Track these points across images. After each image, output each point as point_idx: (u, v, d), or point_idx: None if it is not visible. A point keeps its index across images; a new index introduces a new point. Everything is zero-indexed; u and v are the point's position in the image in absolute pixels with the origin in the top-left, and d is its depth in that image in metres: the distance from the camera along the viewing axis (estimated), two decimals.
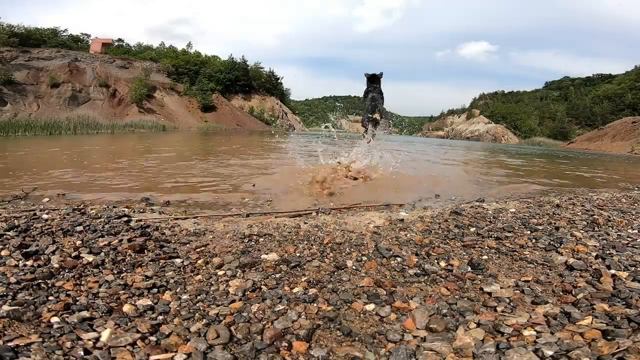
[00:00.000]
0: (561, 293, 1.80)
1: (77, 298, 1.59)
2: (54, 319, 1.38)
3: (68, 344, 1.24)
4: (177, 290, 1.74)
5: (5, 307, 1.41)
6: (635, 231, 3.03)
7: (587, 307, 1.61)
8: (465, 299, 1.73)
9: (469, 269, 2.10)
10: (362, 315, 1.58)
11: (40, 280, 1.70)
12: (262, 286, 1.81)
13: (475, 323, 1.48)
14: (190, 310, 1.55)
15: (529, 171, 11.06)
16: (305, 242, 2.52)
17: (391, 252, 2.31)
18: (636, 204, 4.62)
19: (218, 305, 1.60)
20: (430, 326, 1.46)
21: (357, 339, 1.40)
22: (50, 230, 2.45)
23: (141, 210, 3.41)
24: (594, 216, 3.53)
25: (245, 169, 7.16)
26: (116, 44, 56.95)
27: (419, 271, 2.06)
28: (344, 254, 2.32)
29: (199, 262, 2.10)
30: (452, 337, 1.38)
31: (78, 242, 2.24)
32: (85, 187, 4.62)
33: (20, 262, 1.88)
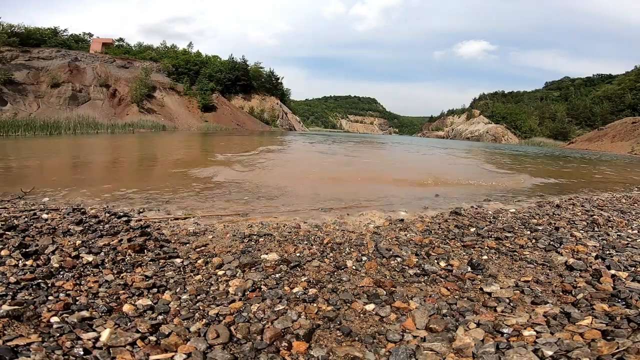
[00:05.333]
0: (561, 293, 1.80)
1: (77, 298, 1.59)
2: (54, 319, 1.38)
3: (68, 344, 1.24)
4: (177, 290, 1.74)
5: (5, 307, 1.40)
6: (635, 231, 3.03)
7: (587, 307, 1.61)
8: (465, 299, 1.74)
9: (469, 269, 2.10)
10: (362, 315, 1.58)
11: (39, 280, 1.70)
12: (262, 286, 1.81)
13: (475, 323, 1.48)
14: (190, 310, 1.55)
15: None
16: (305, 242, 2.52)
17: (391, 252, 2.31)
18: (636, 204, 4.62)
19: (218, 305, 1.60)
20: (430, 326, 1.46)
21: (357, 339, 1.40)
22: (50, 230, 2.45)
23: (141, 210, 3.41)
24: (594, 216, 3.53)
25: (246, 168, 7.16)
26: (116, 43, 56.93)
27: (419, 271, 2.06)
28: (344, 254, 2.32)
29: (199, 262, 2.10)
30: (452, 337, 1.38)
31: (78, 242, 2.24)
32: (85, 187, 4.61)
33: (20, 261, 1.88)
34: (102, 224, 2.71)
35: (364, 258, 2.24)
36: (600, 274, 1.96)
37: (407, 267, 2.12)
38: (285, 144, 19.46)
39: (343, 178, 6.41)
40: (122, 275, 1.87)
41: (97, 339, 1.28)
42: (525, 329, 1.43)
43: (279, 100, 63.98)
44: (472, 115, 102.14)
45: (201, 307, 1.58)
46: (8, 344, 1.19)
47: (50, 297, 1.57)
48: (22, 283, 1.65)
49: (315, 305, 1.64)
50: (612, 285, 1.84)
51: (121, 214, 3.09)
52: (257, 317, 1.51)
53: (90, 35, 55.64)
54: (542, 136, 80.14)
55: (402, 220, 3.29)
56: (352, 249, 2.39)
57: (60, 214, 2.94)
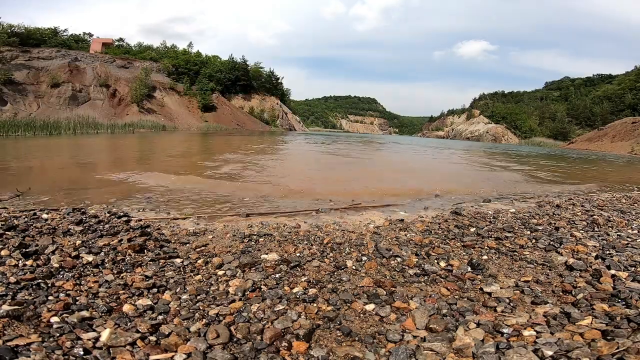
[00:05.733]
0: (561, 293, 1.80)
1: (77, 298, 1.58)
2: (54, 319, 1.38)
3: (68, 344, 1.24)
4: (177, 290, 1.74)
5: (5, 307, 1.40)
6: (635, 231, 3.03)
7: (587, 307, 1.61)
8: (465, 299, 1.73)
9: (469, 269, 2.10)
10: (362, 315, 1.58)
11: (39, 280, 1.70)
12: (262, 286, 1.81)
13: (475, 323, 1.48)
14: (190, 310, 1.55)
15: None
16: (305, 242, 2.52)
17: (391, 252, 2.30)
18: (636, 204, 4.62)
19: (218, 305, 1.60)
20: (430, 326, 1.46)
21: (357, 339, 1.40)
22: (50, 230, 2.45)
23: (141, 210, 3.41)
24: (594, 216, 3.53)
25: (243, 165, 7.16)
26: (116, 43, 56.91)
27: (418, 271, 2.06)
28: (344, 254, 2.32)
29: (199, 262, 2.10)
30: (452, 337, 1.38)
31: (78, 242, 2.24)
32: (85, 187, 4.61)
33: (20, 261, 1.88)
34: (102, 224, 2.71)
35: (364, 258, 2.24)
36: (600, 274, 1.95)
37: (407, 267, 2.12)
38: (284, 144, 19.45)
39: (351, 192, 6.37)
40: (122, 275, 1.87)
41: (97, 339, 1.28)
42: (525, 329, 1.43)
43: (279, 100, 63.99)
44: (472, 115, 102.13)
45: (201, 307, 1.58)
46: (8, 344, 1.19)
47: (50, 297, 1.56)
48: (22, 283, 1.65)
49: (315, 305, 1.63)
50: (612, 285, 1.84)
51: (121, 214, 3.08)
52: (257, 317, 1.51)
53: (90, 35, 55.72)
54: (542, 136, 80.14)
55: (402, 220, 3.29)
56: (352, 249, 2.39)
57: (60, 214, 2.94)
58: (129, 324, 1.41)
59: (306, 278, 1.92)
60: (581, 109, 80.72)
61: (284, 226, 2.95)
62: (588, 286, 1.84)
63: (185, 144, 17.27)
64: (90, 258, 2.00)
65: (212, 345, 1.30)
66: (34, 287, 1.64)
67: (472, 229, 2.94)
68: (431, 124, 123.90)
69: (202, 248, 2.34)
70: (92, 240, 2.30)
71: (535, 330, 1.42)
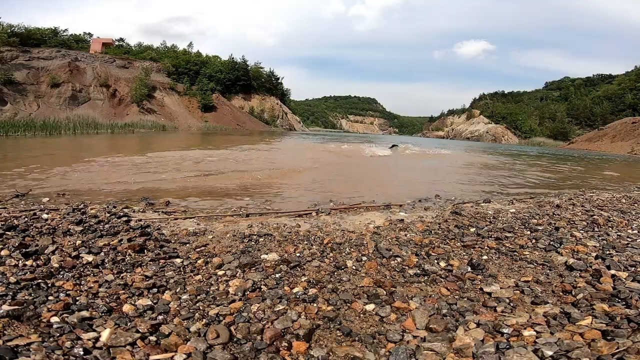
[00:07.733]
0: (561, 293, 1.80)
1: (77, 298, 1.58)
2: (54, 319, 1.38)
3: (68, 344, 1.24)
4: (177, 290, 1.74)
5: (5, 307, 1.40)
6: (635, 231, 3.03)
7: (587, 307, 1.61)
8: (465, 299, 1.73)
9: (469, 269, 2.10)
10: (362, 315, 1.58)
11: (40, 280, 1.70)
12: (262, 286, 1.81)
13: (475, 323, 1.48)
14: (190, 310, 1.55)
15: None
16: (305, 242, 2.52)
17: (391, 252, 2.30)
18: (636, 204, 4.62)
19: (218, 305, 1.60)
20: (430, 326, 1.46)
21: (357, 339, 1.40)
22: (50, 230, 2.45)
23: (141, 210, 3.41)
24: (594, 216, 3.53)
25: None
26: (116, 43, 56.95)
27: (419, 271, 2.06)
28: (344, 254, 2.32)
29: (199, 262, 2.10)
30: (452, 337, 1.38)
31: (78, 242, 2.24)
32: (84, 187, 4.61)
33: (20, 261, 1.88)
34: (102, 224, 2.71)
35: (364, 258, 2.24)
36: (600, 274, 1.95)
37: (407, 267, 2.11)
38: (284, 144, 19.39)
39: None
40: (122, 275, 1.87)
41: (97, 339, 1.28)
42: (525, 329, 1.43)
43: (279, 100, 64.02)
44: (472, 116, 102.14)
45: (201, 307, 1.58)
46: (8, 344, 1.19)
47: (50, 297, 1.56)
48: (22, 283, 1.65)
49: (315, 305, 1.63)
50: (612, 285, 1.84)
51: (121, 214, 3.08)
52: (257, 317, 1.51)
53: (90, 35, 55.81)
54: (542, 136, 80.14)
55: (402, 220, 3.29)
56: (352, 249, 2.39)
57: (60, 214, 2.94)
58: (129, 324, 1.41)
59: (306, 278, 1.92)
60: (581, 109, 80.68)
61: (284, 226, 2.95)
62: (588, 286, 1.83)
63: (185, 142, 17.27)
64: (90, 258, 2.00)
65: (212, 345, 1.30)
66: (34, 287, 1.64)
67: (472, 229, 2.94)
68: (431, 124, 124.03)
69: (202, 248, 2.34)
70: (92, 240, 2.30)
71: (535, 330, 1.42)
